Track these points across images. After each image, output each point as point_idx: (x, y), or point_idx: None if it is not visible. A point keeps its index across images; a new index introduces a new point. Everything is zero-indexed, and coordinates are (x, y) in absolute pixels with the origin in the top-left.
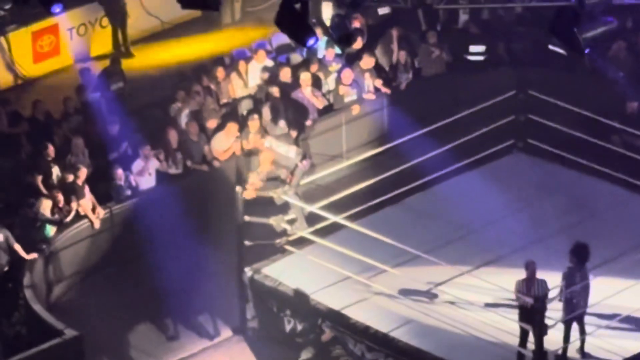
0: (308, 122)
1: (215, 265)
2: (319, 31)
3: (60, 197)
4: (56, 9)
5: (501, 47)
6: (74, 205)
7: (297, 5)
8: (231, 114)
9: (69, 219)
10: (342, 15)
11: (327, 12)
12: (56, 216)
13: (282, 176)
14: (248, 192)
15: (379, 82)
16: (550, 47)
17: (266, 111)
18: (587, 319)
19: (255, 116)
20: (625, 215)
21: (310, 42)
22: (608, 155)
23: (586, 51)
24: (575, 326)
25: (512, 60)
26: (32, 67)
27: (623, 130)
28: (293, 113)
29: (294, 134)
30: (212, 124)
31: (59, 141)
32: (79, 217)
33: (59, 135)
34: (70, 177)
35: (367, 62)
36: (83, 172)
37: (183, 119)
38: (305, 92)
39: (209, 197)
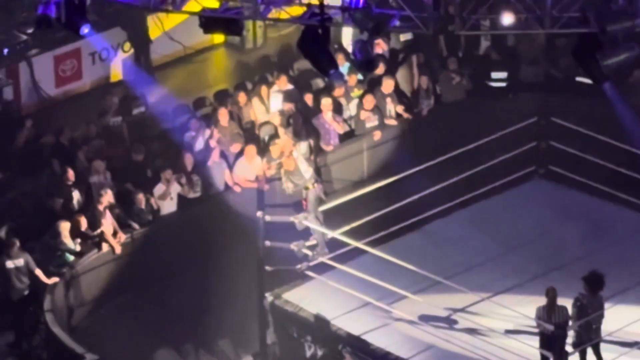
0: (329, 148)
1: (236, 290)
2: (340, 57)
3: (83, 222)
4: (84, 29)
5: (523, 72)
6: (95, 230)
7: (319, 31)
8: (252, 138)
9: (89, 245)
10: (364, 40)
11: (347, 37)
12: (77, 247)
13: (289, 191)
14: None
15: (400, 108)
16: (578, 79)
17: (288, 134)
18: (604, 346)
19: (277, 141)
20: None
21: (332, 72)
22: (629, 183)
23: (605, 84)
24: (591, 354)
25: (534, 87)
26: (54, 91)
27: None
28: (314, 139)
29: (312, 158)
30: (235, 148)
31: (81, 165)
32: (100, 242)
33: (80, 159)
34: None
35: (387, 85)
36: (106, 198)
37: (199, 145)
38: (327, 117)
39: (230, 221)
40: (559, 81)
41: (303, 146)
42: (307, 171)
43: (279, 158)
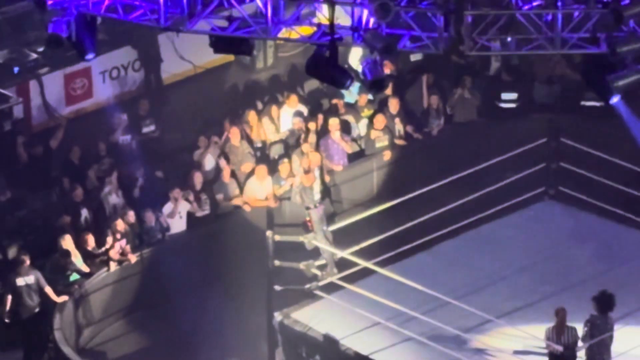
0: (339, 167)
1: (245, 310)
2: None
3: (90, 241)
4: (90, 56)
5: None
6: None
7: (327, 53)
8: (262, 158)
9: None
10: (374, 60)
11: (355, 57)
12: (85, 268)
13: (298, 202)
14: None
15: (409, 128)
16: (583, 103)
17: (296, 156)
18: None
19: (286, 160)
20: None
21: (348, 83)
22: None
23: (612, 101)
24: None
25: (544, 107)
26: (65, 110)
27: None
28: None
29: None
30: (246, 168)
31: (90, 184)
32: (108, 260)
33: (91, 177)
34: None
35: (393, 105)
36: (120, 224)
37: (207, 164)
38: (335, 137)
39: (239, 240)
40: (570, 101)
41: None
42: (318, 192)
43: (292, 177)
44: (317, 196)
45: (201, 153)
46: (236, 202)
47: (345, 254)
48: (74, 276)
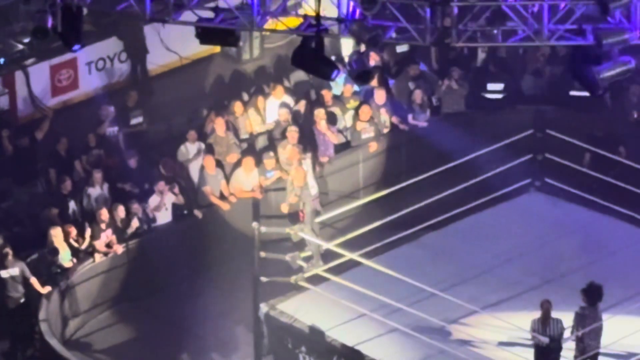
0: (324, 159)
1: (231, 301)
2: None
3: (72, 232)
4: (76, 47)
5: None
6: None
7: (313, 44)
8: (249, 150)
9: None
10: (360, 52)
11: (347, 49)
12: (70, 263)
13: (289, 202)
14: (284, 207)
15: (396, 119)
16: (572, 93)
17: (282, 147)
18: (602, 359)
19: (271, 153)
20: None
21: (334, 74)
22: (625, 195)
23: (599, 92)
24: None
25: (530, 99)
26: (51, 101)
27: None
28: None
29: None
30: (231, 158)
31: (77, 175)
32: (93, 252)
33: (78, 169)
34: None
35: (379, 96)
36: (104, 214)
37: (196, 156)
38: (321, 128)
39: (225, 232)
40: (556, 93)
41: (309, 162)
42: (314, 186)
43: (278, 169)
44: (313, 190)
45: (188, 148)
46: (216, 201)
47: (332, 245)
48: (60, 268)
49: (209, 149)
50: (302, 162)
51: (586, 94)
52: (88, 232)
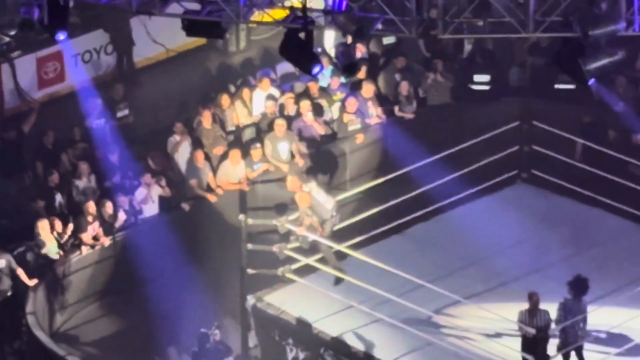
0: (311, 151)
1: (218, 293)
2: (324, 60)
3: (57, 225)
4: (60, 36)
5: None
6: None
7: (302, 35)
8: (236, 142)
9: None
10: (346, 44)
11: (330, 41)
12: (56, 256)
13: (314, 224)
14: (300, 230)
15: (381, 111)
16: (557, 86)
17: (269, 140)
18: (588, 349)
19: (258, 145)
20: (629, 247)
21: (316, 70)
22: (612, 187)
23: (590, 82)
24: (574, 357)
25: (517, 90)
26: (37, 93)
27: (628, 162)
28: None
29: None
30: (218, 151)
31: (64, 168)
32: (80, 244)
33: (64, 162)
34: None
35: (367, 90)
36: (91, 206)
37: (184, 149)
38: (307, 119)
39: (212, 224)
40: (543, 84)
41: (312, 184)
42: (328, 201)
43: (265, 161)
44: (329, 205)
45: (177, 142)
46: (203, 193)
47: (318, 237)
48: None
49: (196, 142)
50: (304, 187)
51: (572, 86)
52: (70, 227)
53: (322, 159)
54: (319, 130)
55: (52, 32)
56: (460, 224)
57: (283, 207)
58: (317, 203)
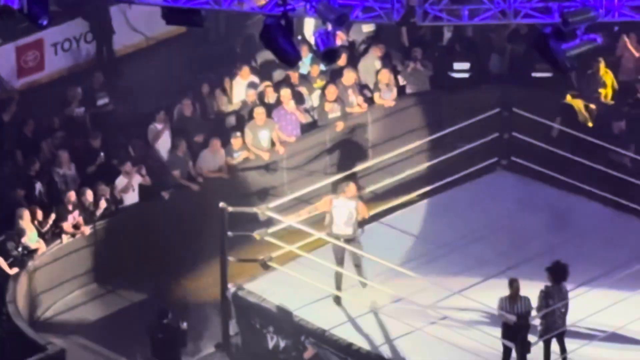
0: (292, 139)
1: (198, 281)
2: (304, 49)
3: (38, 214)
4: (43, 22)
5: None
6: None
7: (282, 22)
8: (216, 130)
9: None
10: (327, 31)
11: (310, 28)
12: (36, 245)
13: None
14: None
15: (361, 99)
16: (534, 74)
17: (249, 128)
18: (569, 336)
19: (238, 134)
20: (609, 234)
21: (292, 60)
22: (592, 174)
23: (567, 69)
24: (555, 344)
25: (496, 78)
26: (17, 82)
27: (608, 149)
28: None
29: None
30: (198, 139)
31: (43, 157)
32: (60, 233)
33: (44, 151)
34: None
35: (348, 78)
36: (72, 195)
37: (165, 137)
38: (288, 108)
39: (192, 212)
40: (522, 72)
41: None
42: (350, 221)
43: (245, 149)
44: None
45: (158, 131)
46: (183, 182)
47: (298, 223)
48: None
49: (177, 130)
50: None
51: (549, 74)
52: (52, 217)
53: (303, 146)
54: (301, 118)
55: (33, 21)
56: (440, 211)
57: (263, 194)
58: (350, 220)
